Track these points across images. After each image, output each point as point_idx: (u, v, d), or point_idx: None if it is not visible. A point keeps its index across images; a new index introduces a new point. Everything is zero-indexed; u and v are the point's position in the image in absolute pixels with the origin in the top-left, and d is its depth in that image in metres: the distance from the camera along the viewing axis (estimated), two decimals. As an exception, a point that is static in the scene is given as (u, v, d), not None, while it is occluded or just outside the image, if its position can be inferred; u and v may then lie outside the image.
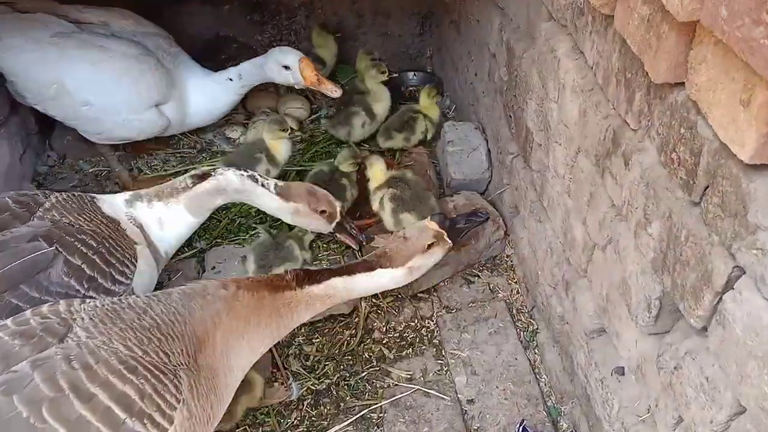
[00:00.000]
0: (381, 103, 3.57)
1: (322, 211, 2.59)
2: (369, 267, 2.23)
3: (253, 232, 3.14)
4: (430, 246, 2.36)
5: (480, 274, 3.02)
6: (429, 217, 2.44)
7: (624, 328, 2.03)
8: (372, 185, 3.04)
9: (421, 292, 2.93)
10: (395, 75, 3.92)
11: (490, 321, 2.80)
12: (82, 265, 2.12)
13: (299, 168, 3.48)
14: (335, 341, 2.75)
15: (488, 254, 3.06)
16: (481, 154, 3.25)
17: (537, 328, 2.78)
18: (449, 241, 2.42)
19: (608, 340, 2.17)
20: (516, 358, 2.66)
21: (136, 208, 2.38)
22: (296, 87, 3.35)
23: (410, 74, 4.21)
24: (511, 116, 2.90)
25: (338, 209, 2.64)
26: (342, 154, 3.14)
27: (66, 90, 3.00)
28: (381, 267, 2.24)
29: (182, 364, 1.80)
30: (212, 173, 2.42)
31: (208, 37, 4.07)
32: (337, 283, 2.14)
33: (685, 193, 1.61)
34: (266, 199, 2.49)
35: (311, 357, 2.69)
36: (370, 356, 2.71)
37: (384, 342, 2.77)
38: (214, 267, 2.92)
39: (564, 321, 2.47)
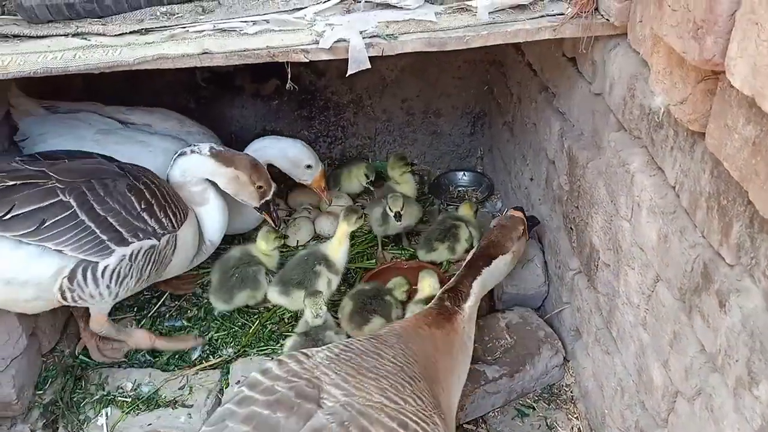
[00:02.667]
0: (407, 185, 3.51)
1: (259, 186, 2.81)
2: (487, 260, 2.37)
3: (283, 342, 2.88)
4: (522, 233, 2.58)
5: (535, 405, 2.65)
6: (511, 208, 2.71)
7: (721, 506, 1.64)
8: (416, 296, 2.79)
9: (468, 422, 2.58)
10: (414, 165, 3.76)
11: (547, 464, 2.42)
12: (144, 190, 2.49)
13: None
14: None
15: (545, 382, 2.70)
16: (537, 267, 2.95)
17: (603, 478, 2.38)
18: (527, 235, 2.65)
19: None
20: None
21: None
22: (297, 180, 3.42)
23: (459, 174, 4.01)
24: (572, 228, 2.63)
25: (272, 191, 2.89)
26: (396, 281, 2.92)
27: None
28: (494, 256, 2.39)
29: (434, 407, 1.78)
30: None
31: (256, 131, 4.01)
32: (476, 287, 2.27)
33: (807, 355, 1.29)
34: (201, 163, 2.71)
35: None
36: (407, 500, 2.34)
37: (423, 483, 2.40)
38: (239, 382, 2.65)
39: (638, 478, 2.08)
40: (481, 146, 4.07)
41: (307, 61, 2.16)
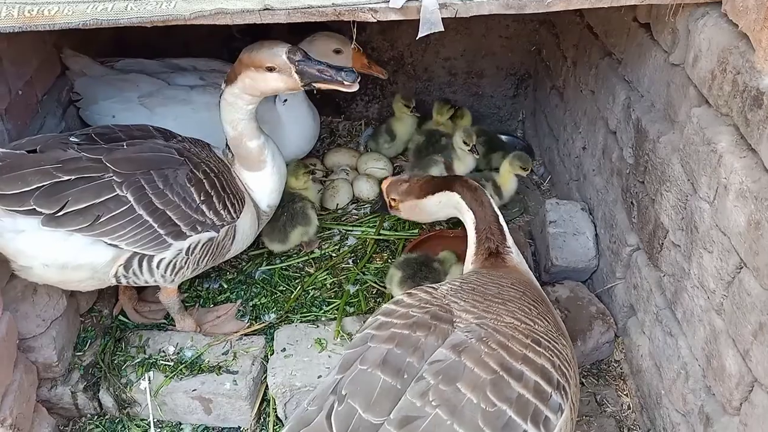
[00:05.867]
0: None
1: (269, 68, 2.34)
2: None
3: (328, 308, 2.84)
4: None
5: (584, 381, 2.62)
6: None
7: (804, 502, 1.61)
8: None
9: (516, 397, 2.55)
10: (417, 115, 3.58)
11: (597, 442, 2.40)
12: (203, 180, 2.38)
13: (378, 237, 3.18)
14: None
15: (594, 357, 2.66)
16: (588, 240, 2.88)
17: (656, 458, 2.36)
18: None
19: (773, 506, 1.75)
20: (632, 495, 2.25)
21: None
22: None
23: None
24: (633, 203, 2.54)
25: (286, 50, 2.33)
26: (444, 256, 2.81)
27: None
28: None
29: (557, 329, 1.83)
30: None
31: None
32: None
33: None
34: (225, 97, 2.43)
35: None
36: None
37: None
38: (284, 349, 2.59)
39: (701, 463, 2.05)
40: (523, 109, 3.94)
41: (375, 21, 2.02)
